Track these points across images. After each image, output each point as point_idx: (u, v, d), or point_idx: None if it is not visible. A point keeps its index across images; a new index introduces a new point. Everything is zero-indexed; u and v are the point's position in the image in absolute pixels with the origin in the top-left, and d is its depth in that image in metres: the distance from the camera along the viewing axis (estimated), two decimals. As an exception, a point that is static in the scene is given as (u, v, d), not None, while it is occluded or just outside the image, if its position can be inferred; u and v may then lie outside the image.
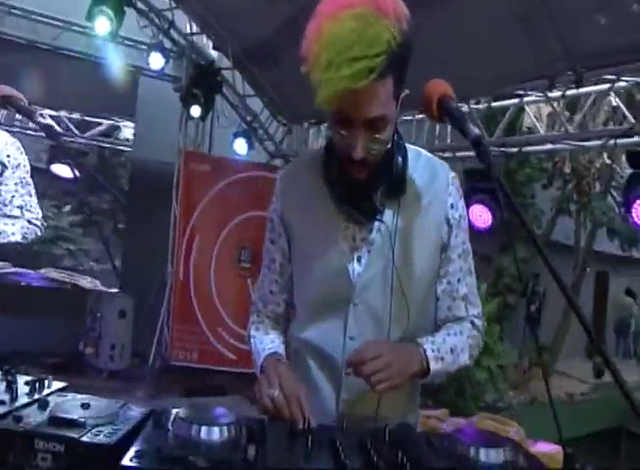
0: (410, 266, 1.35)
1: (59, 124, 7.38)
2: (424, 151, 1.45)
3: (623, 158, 8.51)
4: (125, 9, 5.33)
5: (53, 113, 7.36)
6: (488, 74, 4.42)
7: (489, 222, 4.96)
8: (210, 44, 6.34)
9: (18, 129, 5.71)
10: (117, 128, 9.90)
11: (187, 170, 6.65)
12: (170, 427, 1.02)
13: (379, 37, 1.10)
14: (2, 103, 1.75)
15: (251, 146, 6.85)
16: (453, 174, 1.42)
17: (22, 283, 6.88)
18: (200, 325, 6.65)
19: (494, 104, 5.14)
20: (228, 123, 6.65)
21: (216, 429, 1.00)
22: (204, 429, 0.99)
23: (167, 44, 6.09)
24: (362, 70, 1.09)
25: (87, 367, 6.38)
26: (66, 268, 8.18)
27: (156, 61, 5.90)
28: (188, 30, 6.21)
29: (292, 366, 1.42)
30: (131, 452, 0.93)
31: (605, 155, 8.06)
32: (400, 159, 1.34)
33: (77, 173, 2.72)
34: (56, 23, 6.04)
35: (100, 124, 9.03)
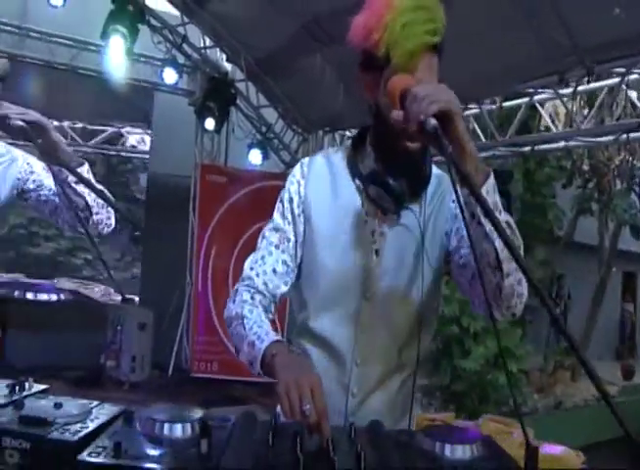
0: (425, 262, 1.41)
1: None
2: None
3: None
4: (139, 26, 5.44)
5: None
6: (497, 73, 4.42)
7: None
8: (224, 57, 6.43)
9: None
10: (121, 136, 9.87)
11: (204, 183, 6.73)
12: (138, 425, 1.04)
13: (438, 11, 1.29)
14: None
15: (265, 156, 6.91)
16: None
17: (42, 297, 6.98)
18: (219, 335, 6.67)
19: (506, 103, 5.12)
20: (243, 135, 6.73)
21: (178, 426, 1.01)
22: (166, 426, 1.01)
23: (181, 59, 6.18)
24: (433, 30, 1.27)
25: (108, 380, 6.44)
26: (85, 278, 8.28)
27: (169, 76, 6.01)
28: (201, 44, 6.31)
29: None
30: (91, 447, 0.95)
31: (623, 151, 7.97)
32: (429, 160, 1.43)
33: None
34: (72, 43, 6.19)
35: (104, 132, 9.02)
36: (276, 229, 1.46)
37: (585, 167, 9.05)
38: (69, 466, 0.96)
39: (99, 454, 0.93)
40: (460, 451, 1.02)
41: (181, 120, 6.86)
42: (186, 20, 5.91)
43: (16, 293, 7.99)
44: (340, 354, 1.40)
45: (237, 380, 6.80)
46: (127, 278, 14.91)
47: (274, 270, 1.43)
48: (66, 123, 8.89)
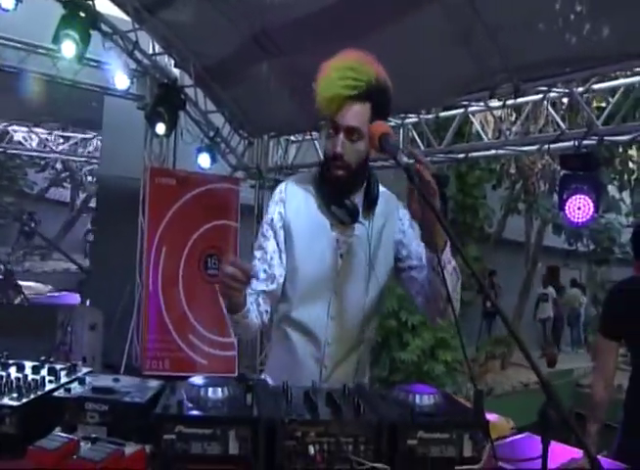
0: (376, 264, 1.81)
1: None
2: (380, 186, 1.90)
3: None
4: (91, 31, 5.53)
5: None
6: (435, 88, 4.84)
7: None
8: (173, 63, 6.58)
9: None
10: (7, 133, 9.91)
11: (153, 185, 6.84)
12: (183, 391, 1.36)
13: (363, 71, 1.66)
14: None
15: (214, 160, 7.09)
16: (401, 203, 1.88)
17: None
18: (170, 333, 6.82)
19: (442, 114, 5.56)
20: (191, 139, 6.89)
21: (219, 389, 1.34)
22: (210, 389, 1.34)
23: (132, 64, 6.29)
24: (350, 85, 1.64)
25: (59, 381, 6.52)
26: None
27: (121, 81, 6.11)
28: (151, 51, 6.43)
29: (279, 342, 1.86)
30: (159, 406, 1.27)
31: (546, 156, 8.63)
32: (375, 185, 1.83)
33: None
34: (22, 46, 6.19)
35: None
36: (259, 247, 1.85)
37: (512, 171, 9.74)
38: (141, 421, 1.29)
39: (169, 409, 1.25)
40: (426, 399, 1.42)
41: (130, 124, 6.95)
42: (137, 26, 6.03)
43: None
44: (315, 337, 1.81)
45: (188, 376, 6.96)
46: (19, 271, 14.70)
47: (257, 278, 1.79)
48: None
